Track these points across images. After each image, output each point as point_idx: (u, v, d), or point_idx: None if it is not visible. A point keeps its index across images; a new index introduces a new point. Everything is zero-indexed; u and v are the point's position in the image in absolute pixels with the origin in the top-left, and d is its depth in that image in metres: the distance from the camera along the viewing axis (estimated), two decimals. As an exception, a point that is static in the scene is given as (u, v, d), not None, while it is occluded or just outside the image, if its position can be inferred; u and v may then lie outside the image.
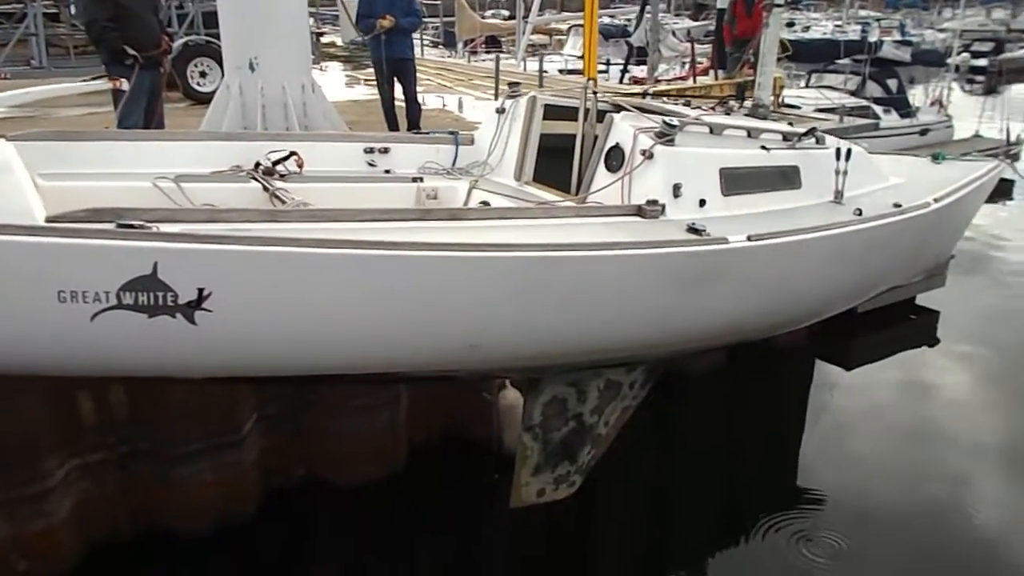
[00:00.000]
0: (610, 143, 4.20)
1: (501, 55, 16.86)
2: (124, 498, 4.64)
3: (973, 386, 7.14)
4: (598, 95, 4.50)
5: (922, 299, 8.37)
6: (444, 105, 10.41)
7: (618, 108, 4.44)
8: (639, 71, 13.72)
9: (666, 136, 4.06)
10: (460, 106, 10.08)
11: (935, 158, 6.84)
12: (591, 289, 3.44)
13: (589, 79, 4.32)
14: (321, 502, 5.21)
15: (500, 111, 4.96)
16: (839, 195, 4.75)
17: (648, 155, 4.00)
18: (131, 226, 2.65)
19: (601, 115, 4.37)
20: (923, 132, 13.21)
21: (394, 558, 4.94)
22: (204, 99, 8.26)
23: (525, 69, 12.21)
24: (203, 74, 9.50)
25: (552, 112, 4.78)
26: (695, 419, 6.44)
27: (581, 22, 16.72)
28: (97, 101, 7.30)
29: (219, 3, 5.89)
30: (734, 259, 3.85)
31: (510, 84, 5.40)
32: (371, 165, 4.68)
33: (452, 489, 5.49)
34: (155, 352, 2.74)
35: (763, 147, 4.61)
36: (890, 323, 7.96)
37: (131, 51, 5.34)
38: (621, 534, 5.36)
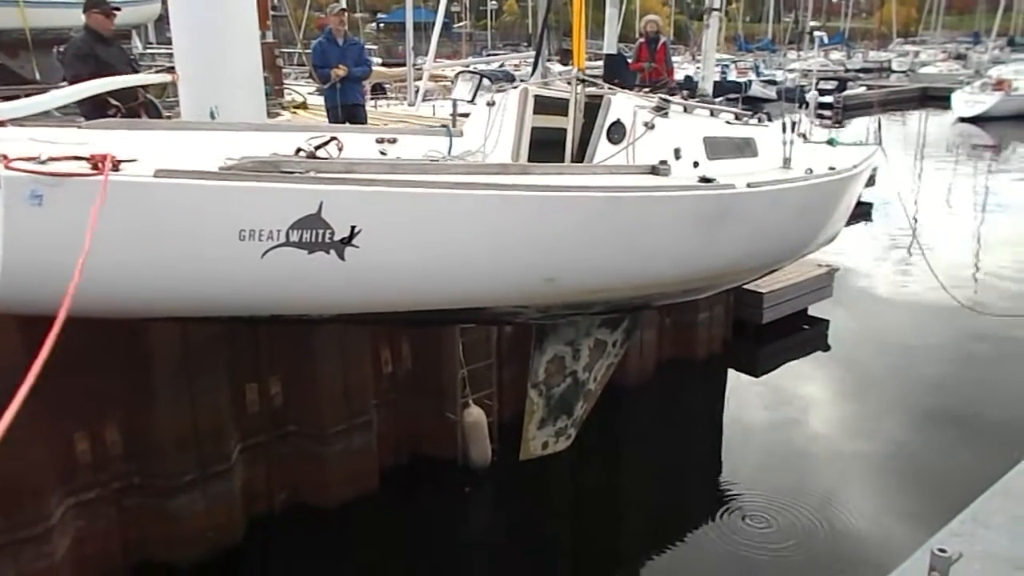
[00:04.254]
0: (611, 119, 4.85)
1: (389, 101, 17.31)
2: (119, 532, 4.73)
3: (857, 382, 8.09)
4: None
5: (813, 310, 9.38)
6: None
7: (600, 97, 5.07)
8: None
9: (663, 110, 4.83)
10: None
11: (831, 143, 8.03)
12: (644, 226, 4.03)
13: (578, 69, 4.91)
14: (302, 525, 5.44)
15: (491, 104, 5.53)
16: (787, 161, 5.61)
17: (651, 126, 4.69)
18: (292, 173, 2.95)
19: (587, 104, 4.96)
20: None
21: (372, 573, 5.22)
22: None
23: (434, 113, 12.79)
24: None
25: (541, 102, 5.34)
26: (630, 422, 7.05)
27: (468, 69, 17.37)
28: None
29: (176, 56, 6.07)
30: (739, 202, 4.57)
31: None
32: (382, 153, 5.17)
33: (423, 505, 5.83)
34: (309, 287, 3.05)
35: (727, 122, 5.45)
36: (789, 332, 8.91)
37: (113, 102, 5.52)
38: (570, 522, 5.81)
